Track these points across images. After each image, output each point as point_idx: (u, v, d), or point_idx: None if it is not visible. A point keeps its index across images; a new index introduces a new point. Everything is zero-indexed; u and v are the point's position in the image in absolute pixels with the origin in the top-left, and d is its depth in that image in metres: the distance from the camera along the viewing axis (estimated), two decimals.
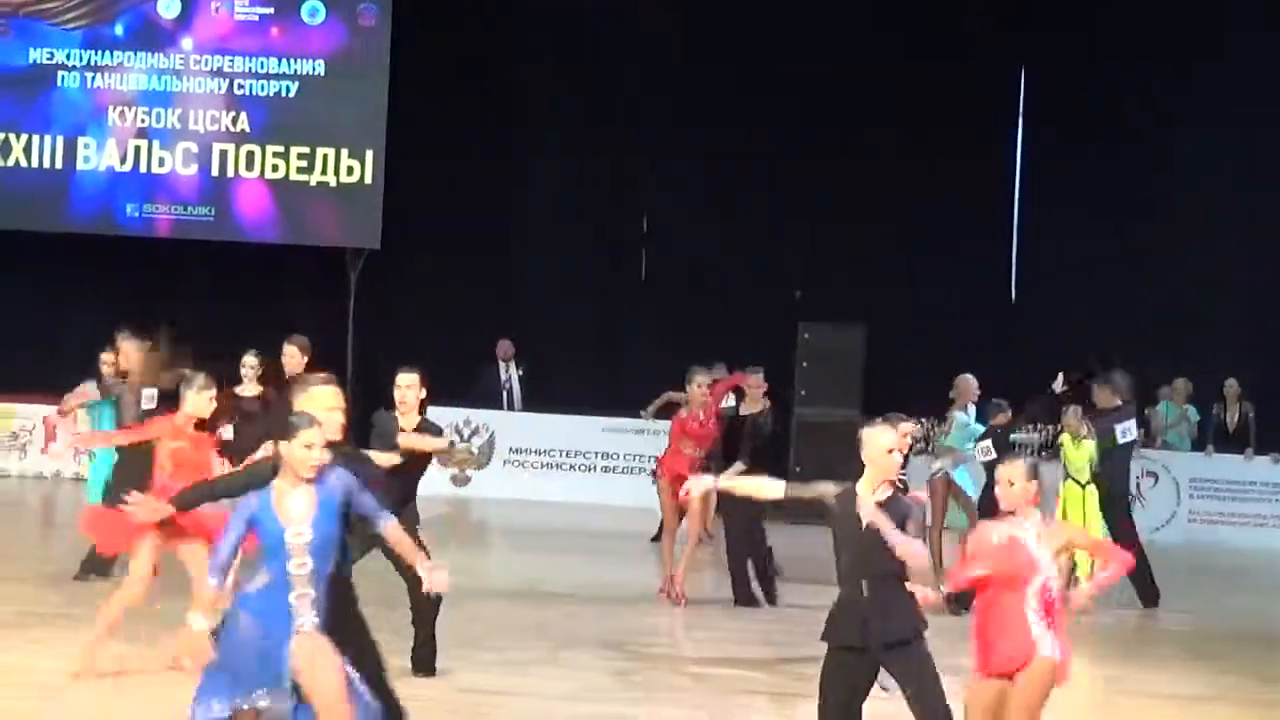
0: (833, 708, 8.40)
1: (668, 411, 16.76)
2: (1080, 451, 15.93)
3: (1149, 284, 22.16)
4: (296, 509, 7.68)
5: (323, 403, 8.34)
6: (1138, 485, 17.49)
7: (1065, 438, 16.21)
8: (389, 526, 7.95)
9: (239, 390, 14.72)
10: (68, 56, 23.60)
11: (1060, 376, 17.14)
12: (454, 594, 14.69)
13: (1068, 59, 22.43)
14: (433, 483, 22.43)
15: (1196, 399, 21.81)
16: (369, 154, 23.15)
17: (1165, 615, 16.01)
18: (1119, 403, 16.35)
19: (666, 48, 23.01)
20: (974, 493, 15.99)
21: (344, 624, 7.98)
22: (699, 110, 22.84)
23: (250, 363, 14.87)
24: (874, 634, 8.30)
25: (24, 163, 23.62)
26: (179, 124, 23.53)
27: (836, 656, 8.42)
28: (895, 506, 8.31)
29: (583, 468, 22.19)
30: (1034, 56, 22.86)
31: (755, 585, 14.92)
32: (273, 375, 14.81)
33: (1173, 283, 22.11)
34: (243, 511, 7.72)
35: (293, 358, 14.44)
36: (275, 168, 23.38)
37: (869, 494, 8.30)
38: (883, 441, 8.37)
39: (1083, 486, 15.84)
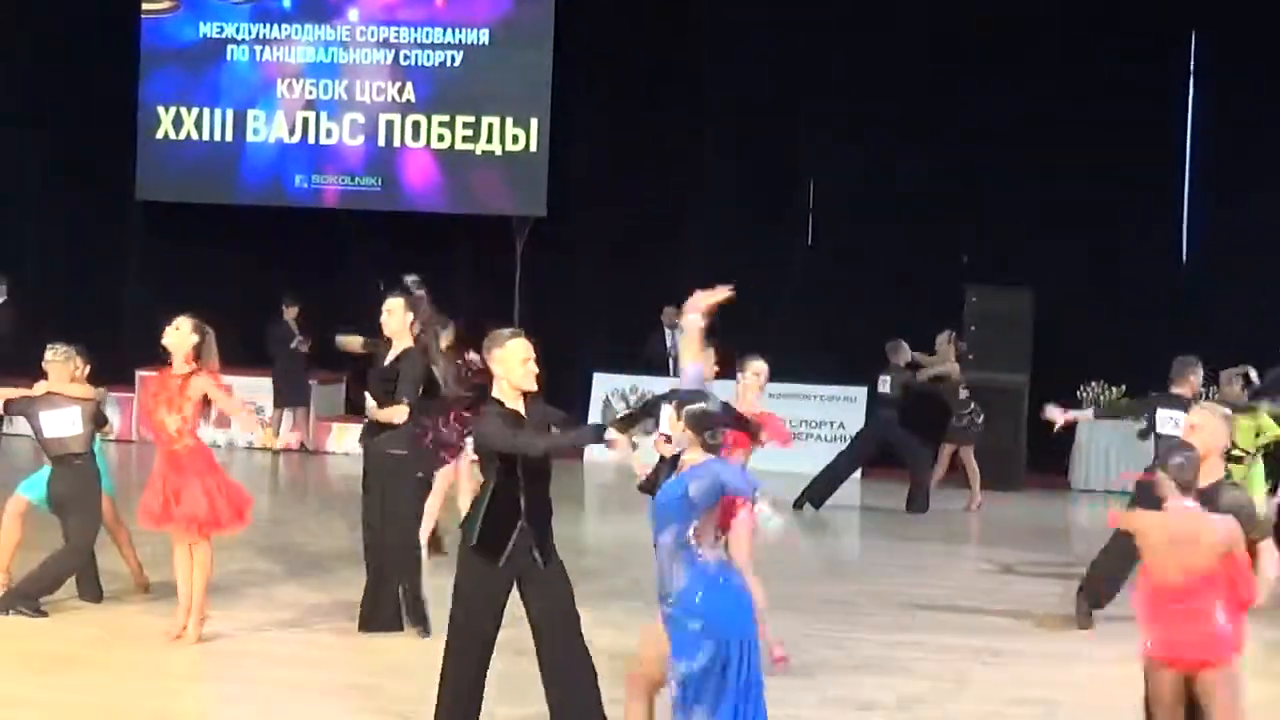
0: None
1: None
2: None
3: None
4: None
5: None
6: None
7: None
8: None
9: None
10: (236, 30, 23.89)
11: None
12: (620, 555, 14.75)
13: (1241, 21, 21.94)
14: (599, 449, 22.66)
15: None
16: (534, 122, 23.19)
17: None
18: None
19: (832, 15, 22.81)
20: None
21: None
22: (865, 74, 22.63)
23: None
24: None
25: (195, 136, 23.96)
26: (346, 95, 23.75)
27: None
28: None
29: None
30: (1206, 19, 22.39)
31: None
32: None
33: None
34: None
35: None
36: (441, 137, 23.51)
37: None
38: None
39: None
